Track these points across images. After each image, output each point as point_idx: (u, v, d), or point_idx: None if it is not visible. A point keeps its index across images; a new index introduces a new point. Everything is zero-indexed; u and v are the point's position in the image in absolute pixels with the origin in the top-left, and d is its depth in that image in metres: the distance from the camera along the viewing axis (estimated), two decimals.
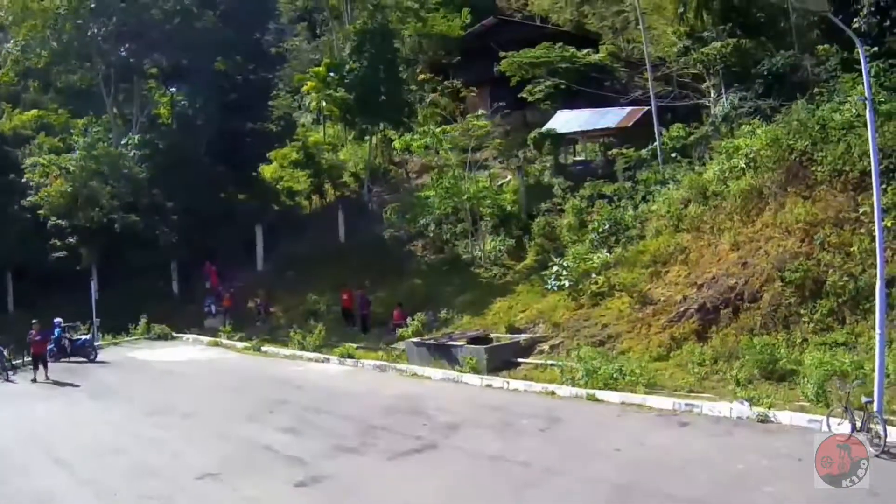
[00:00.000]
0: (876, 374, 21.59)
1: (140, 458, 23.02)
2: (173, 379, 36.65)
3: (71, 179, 55.58)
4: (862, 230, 28.49)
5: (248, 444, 24.04)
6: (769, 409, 23.63)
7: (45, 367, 37.94)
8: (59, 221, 56.14)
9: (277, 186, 64.20)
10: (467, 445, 22.84)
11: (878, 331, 21.79)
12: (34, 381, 37.25)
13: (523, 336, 35.74)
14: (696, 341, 30.20)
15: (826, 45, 38.43)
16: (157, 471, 21.67)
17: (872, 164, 22.42)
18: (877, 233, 22.16)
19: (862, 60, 23.19)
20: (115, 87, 62.22)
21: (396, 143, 53.92)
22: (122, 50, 60.51)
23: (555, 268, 37.37)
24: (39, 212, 56.18)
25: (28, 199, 56.92)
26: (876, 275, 22.48)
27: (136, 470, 21.76)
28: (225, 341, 46.58)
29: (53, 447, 24.67)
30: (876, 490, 16.94)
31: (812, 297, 28.76)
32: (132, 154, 59.02)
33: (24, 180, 58.43)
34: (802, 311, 28.72)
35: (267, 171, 65.08)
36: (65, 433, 26.89)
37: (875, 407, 20.78)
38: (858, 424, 20.56)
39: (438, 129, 49.72)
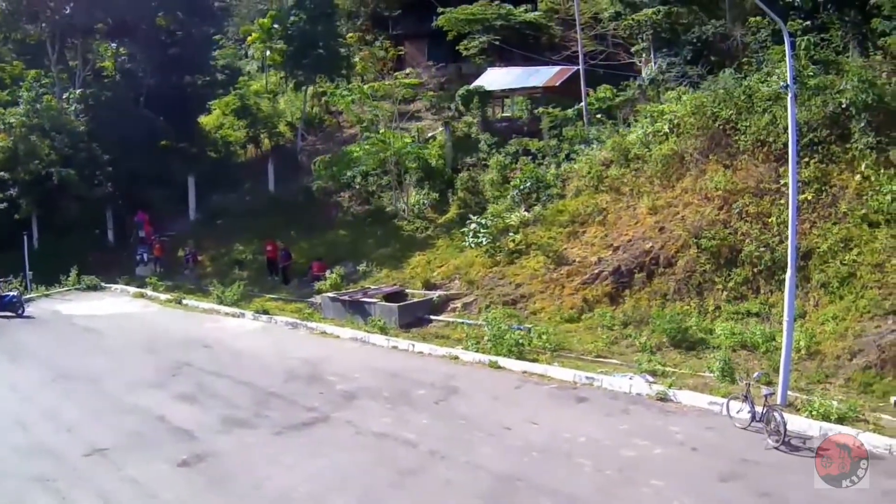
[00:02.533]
0: (781, 368, 20.69)
1: (37, 432, 21.70)
2: (90, 337, 34.77)
3: (12, 134, 54.19)
4: (782, 201, 27.24)
5: (143, 415, 22.77)
6: (669, 387, 22.42)
7: None
8: (1, 174, 54.44)
9: (216, 135, 62.66)
10: (358, 420, 21.61)
11: (786, 318, 20.98)
12: None
13: (437, 293, 34.31)
14: (609, 304, 29.26)
15: (758, 18, 36.93)
16: (50, 448, 20.28)
17: (790, 136, 21.36)
18: (790, 215, 21.03)
19: (785, 39, 21.89)
20: (61, 42, 60.44)
21: (328, 98, 53.35)
22: (66, 8, 58.24)
23: (472, 225, 36.16)
24: None
25: None
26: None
27: (29, 447, 20.41)
28: (150, 293, 45.05)
29: None
30: (765, 490, 16.04)
31: (727, 265, 27.80)
32: (73, 108, 57.54)
33: None
34: (717, 279, 27.75)
35: (207, 120, 63.75)
36: None
37: (778, 399, 19.96)
38: (757, 416, 19.47)
39: (366, 86, 48.74)
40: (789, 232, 21.36)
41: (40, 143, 53.25)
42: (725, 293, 27.27)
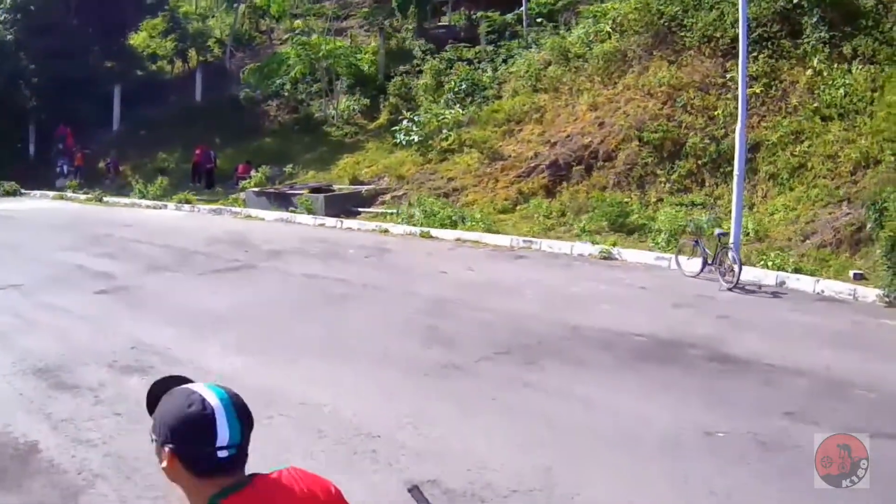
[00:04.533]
0: (734, 204, 19.10)
1: None
2: (8, 223, 32.96)
3: None
4: (728, 95, 25.70)
5: (62, 265, 21.65)
6: (613, 245, 21.41)
7: None
8: None
9: (143, 53, 60.09)
10: (285, 267, 20.69)
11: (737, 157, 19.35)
12: None
13: (365, 187, 32.37)
14: (545, 197, 27.46)
15: None
16: None
17: (741, 22, 19.82)
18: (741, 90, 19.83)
19: None
20: None
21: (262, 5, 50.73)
22: None
23: (405, 122, 34.29)
24: None
25: None
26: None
27: None
28: (69, 194, 43.38)
29: None
30: (722, 314, 15.49)
31: (670, 158, 26.15)
32: (2, 17, 54.80)
33: None
34: (659, 172, 26.09)
35: (136, 39, 60.96)
36: None
37: (731, 239, 18.30)
38: (710, 258, 18.17)
39: None
40: (739, 114, 19.81)
41: None
42: (668, 185, 25.67)
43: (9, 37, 53.14)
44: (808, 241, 20.41)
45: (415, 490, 3.33)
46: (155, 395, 3.04)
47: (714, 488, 8.14)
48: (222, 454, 2.89)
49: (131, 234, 27.27)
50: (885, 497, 7.19)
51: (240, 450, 2.94)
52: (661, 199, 25.20)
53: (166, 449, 2.88)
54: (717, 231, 18.79)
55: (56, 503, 8.04)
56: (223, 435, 2.88)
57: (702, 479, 8.37)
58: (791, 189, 22.99)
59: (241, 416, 2.94)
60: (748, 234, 21.08)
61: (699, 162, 25.45)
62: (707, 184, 24.94)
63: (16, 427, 9.91)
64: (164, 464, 2.91)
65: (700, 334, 13.95)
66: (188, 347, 13.41)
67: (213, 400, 2.91)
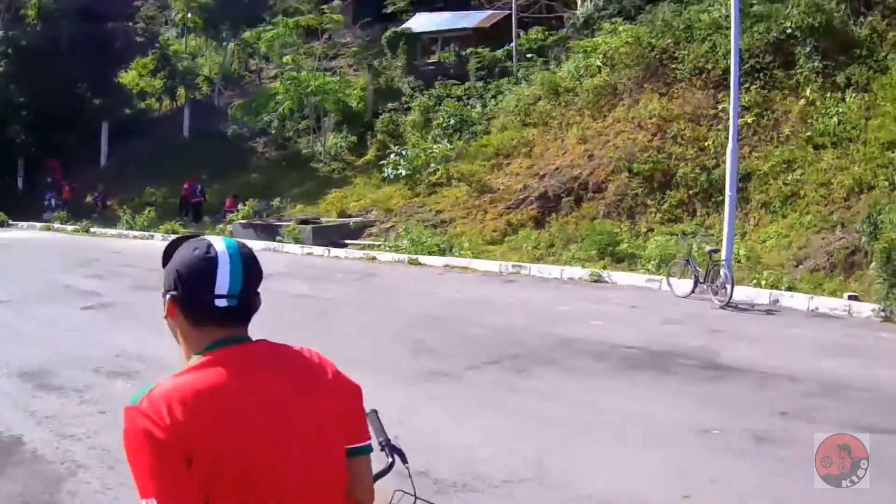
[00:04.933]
0: (725, 221, 19.13)
1: None
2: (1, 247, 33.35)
3: None
4: (719, 126, 25.54)
5: (51, 283, 22.28)
6: (604, 268, 21.52)
7: None
8: None
9: (132, 91, 60.36)
10: (274, 288, 20.21)
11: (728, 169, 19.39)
12: None
13: (353, 220, 32.34)
14: (534, 228, 27.35)
15: None
16: None
17: (733, 51, 20.01)
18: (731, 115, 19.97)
19: None
20: None
21: (252, 46, 51.69)
22: None
23: (393, 156, 34.27)
24: None
25: None
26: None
27: None
28: (57, 226, 43.74)
29: None
30: (714, 328, 15.36)
31: (661, 189, 26.07)
32: None
33: None
34: (650, 202, 26.00)
35: (126, 77, 61.17)
36: None
37: (723, 256, 18.23)
38: (702, 277, 17.99)
39: (291, 21, 46.45)
40: (729, 141, 19.85)
41: None
42: (659, 215, 25.58)
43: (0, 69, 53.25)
44: (801, 266, 20.32)
45: (372, 414, 3.36)
46: (171, 252, 3.00)
47: (714, 477, 8.06)
48: (220, 303, 2.84)
49: (118, 259, 27.53)
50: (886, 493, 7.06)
51: (241, 303, 2.88)
52: (651, 229, 25.06)
53: (167, 297, 2.87)
54: (707, 248, 18.64)
55: (39, 490, 8.00)
56: (223, 282, 2.83)
57: (699, 470, 8.28)
58: (783, 217, 22.91)
59: (247, 268, 2.89)
60: (740, 260, 20.84)
61: (690, 192, 25.35)
62: (698, 213, 24.89)
63: (1, 422, 9.89)
64: (165, 313, 2.90)
65: (692, 345, 13.82)
66: (176, 355, 13.32)
67: (220, 247, 2.87)
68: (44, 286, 21.57)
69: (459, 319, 16.31)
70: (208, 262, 2.84)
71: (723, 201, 20.37)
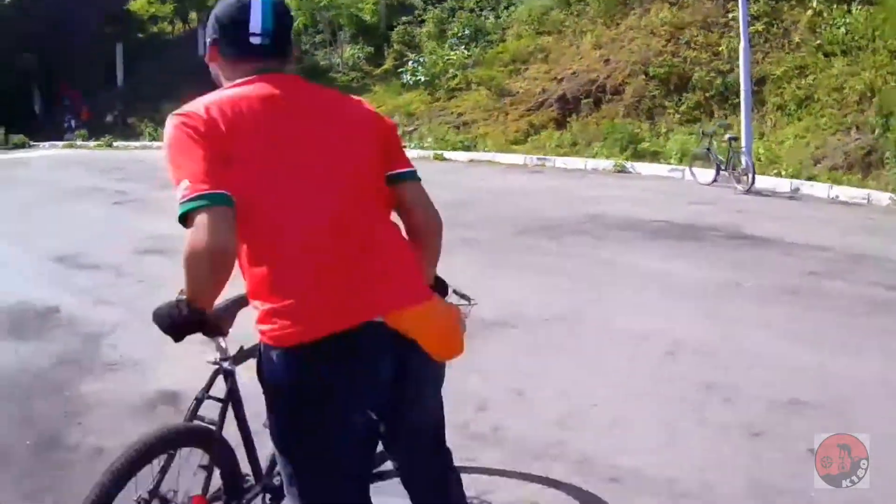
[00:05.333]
0: (742, 105, 19.74)
1: None
2: (22, 165, 32.97)
3: None
4: (731, 34, 25.57)
5: (78, 187, 22.32)
6: (627, 160, 21.99)
7: None
8: None
9: (143, 17, 59.02)
10: None
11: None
12: None
13: None
14: (556, 129, 27.51)
15: None
16: None
17: None
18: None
19: None
20: None
21: None
22: None
23: (411, 63, 34.41)
24: None
25: None
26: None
27: None
28: (79, 143, 43.70)
29: None
30: (739, 209, 15.64)
31: (677, 91, 26.06)
32: None
33: None
34: (667, 104, 26.03)
35: (135, 5, 58.44)
36: None
37: (743, 144, 18.73)
38: (723, 165, 18.44)
39: None
40: (741, 39, 20.46)
41: None
42: (678, 116, 25.66)
43: (6, 1, 53.45)
44: (818, 165, 20.36)
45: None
46: None
47: (753, 320, 8.34)
48: (255, 40, 3.22)
49: (143, 166, 27.36)
50: None
51: (274, 40, 3.26)
52: (671, 130, 25.21)
53: (209, 42, 3.33)
54: (727, 136, 18.97)
55: (77, 348, 8.13)
56: (256, 22, 3.20)
57: (734, 313, 8.57)
58: (799, 119, 22.92)
59: (277, 12, 3.28)
60: (760, 159, 20.97)
61: (706, 95, 25.43)
62: (716, 115, 24.83)
63: (36, 297, 9.96)
64: (207, 59, 3.39)
65: (718, 221, 14.19)
66: None
67: None
68: (72, 189, 21.68)
69: (488, 202, 16.62)
70: (242, 8, 3.22)
71: (739, 103, 20.65)
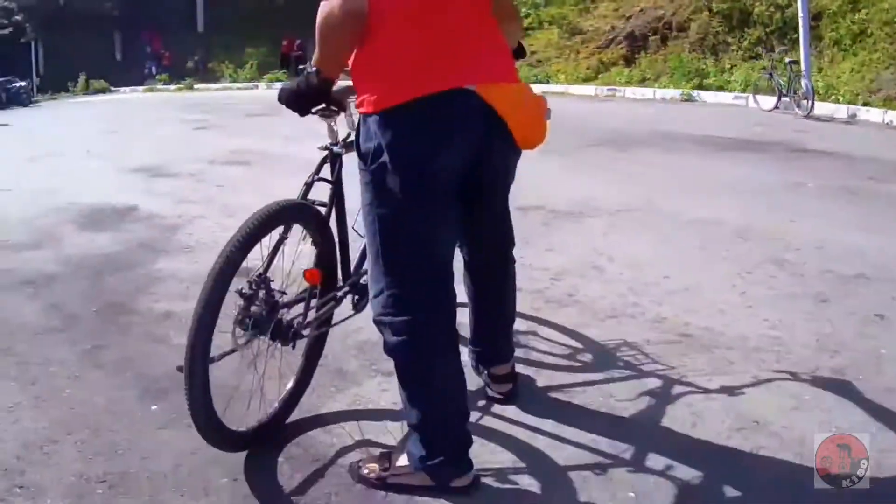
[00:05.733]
0: (801, 33, 19.68)
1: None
2: (103, 104, 33.11)
3: None
4: None
5: (161, 118, 22.62)
6: (693, 89, 21.94)
7: None
8: (5, 2, 52.12)
9: None
10: None
11: None
12: None
13: None
14: (625, 66, 27.35)
15: None
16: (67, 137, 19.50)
17: None
18: None
19: None
20: None
21: None
22: None
23: None
24: None
25: None
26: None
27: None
28: (160, 86, 43.38)
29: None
30: (800, 128, 15.48)
31: (739, 27, 25.72)
32: None
33: None
34: (730, 40, 25.74)
35: None
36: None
37: (802, 67, 18.68)
38: (784, 89, 18.36)
39: None
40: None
41: None
42: (740, 52, 25.37)
43: None
44: (873, 96, 19.95)
45: None
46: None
47: (818, 212, 8.48)
48: None
49: (225, 103, 27.44)
50: None
51: None
52: (734, 65, 24.98)
53: None
54: (787, 60, 19.04)
55: (154, 236, 8.12)
56: None
57: (802, 207, 8.71)
58: (854, 55, 22.53)
59: None
60: (818, 92, 20.64)
61: (767, 30, 25.03)
62: (776, 50, 24.22)
63: (116, 200, 9.93)
64: None
65: (780, 138, 14.32)
66: (281, 149, 13.75)
67: None
68: (155, 119, 22.11)
69: (560, 123, 16.17)
70: None
71: (798, 38, 20.57)
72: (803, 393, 4.14)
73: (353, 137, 3.47)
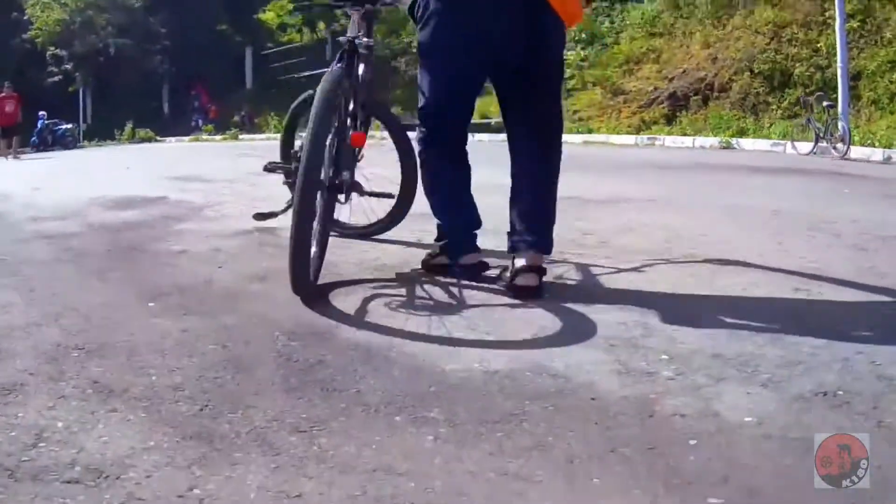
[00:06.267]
0: (839, 73, 20.38)
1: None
2: (151, 148, 34.06)
3: (67, 11, 51.84)
4: (828, 31, 25.44)
5: (205, 154, 23.90)
6: (732, 136, 22.78)
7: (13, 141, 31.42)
8: (56, 50, 52.69)
9: (273, 25, 59.62)
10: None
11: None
12: None
13: (493, 120, 32.02)
14: (665, 124, 28.06)
15: None
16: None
17: None
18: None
19: None
20: None
21: None
22: None
23: None
24: (38, 40, 52.56)
25: (28, 32, 52.87)
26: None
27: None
28: (205, 136, 44.16)
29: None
30: (834, 170, 14.95)
31: (780, 87, 26.36)
32: None
33: (25, 17, 53.80)
34: (771, 100, 26.35)
35: (266, 17, 60.41)
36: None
37: (840, 110, 19.35)
38: (821, 133, 19.09)
39: None
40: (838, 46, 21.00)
41: (96, 17, 51.06)
42: (780, 112, 25.86)
43: (137, 4, 53.10)
44: None
45: None
46: None
47: (854, 204, 8.86)
48: None
49: (269, 145, 27.28)
50: None
51: None
52: (773, 124, 25.42)
53: None
54: (825, 103, 19.67)
55: (180, 211, 8.21)
56: None
57: (837, 201, 9.10)
58: (892, 112, 22.98)
59: None
60: (855, 141, 21.00)
61: (806, 91, 25.22)
62: (815, 110, 24.34)
63: (147, 192, 10.10)
64: None
65: (817, 168, 14.93)
66: None
67: None
68: (197, 155, 23.12)
69: (600, 157, 17.42)
70: None
71: (837, 98, 21.05)
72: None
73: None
